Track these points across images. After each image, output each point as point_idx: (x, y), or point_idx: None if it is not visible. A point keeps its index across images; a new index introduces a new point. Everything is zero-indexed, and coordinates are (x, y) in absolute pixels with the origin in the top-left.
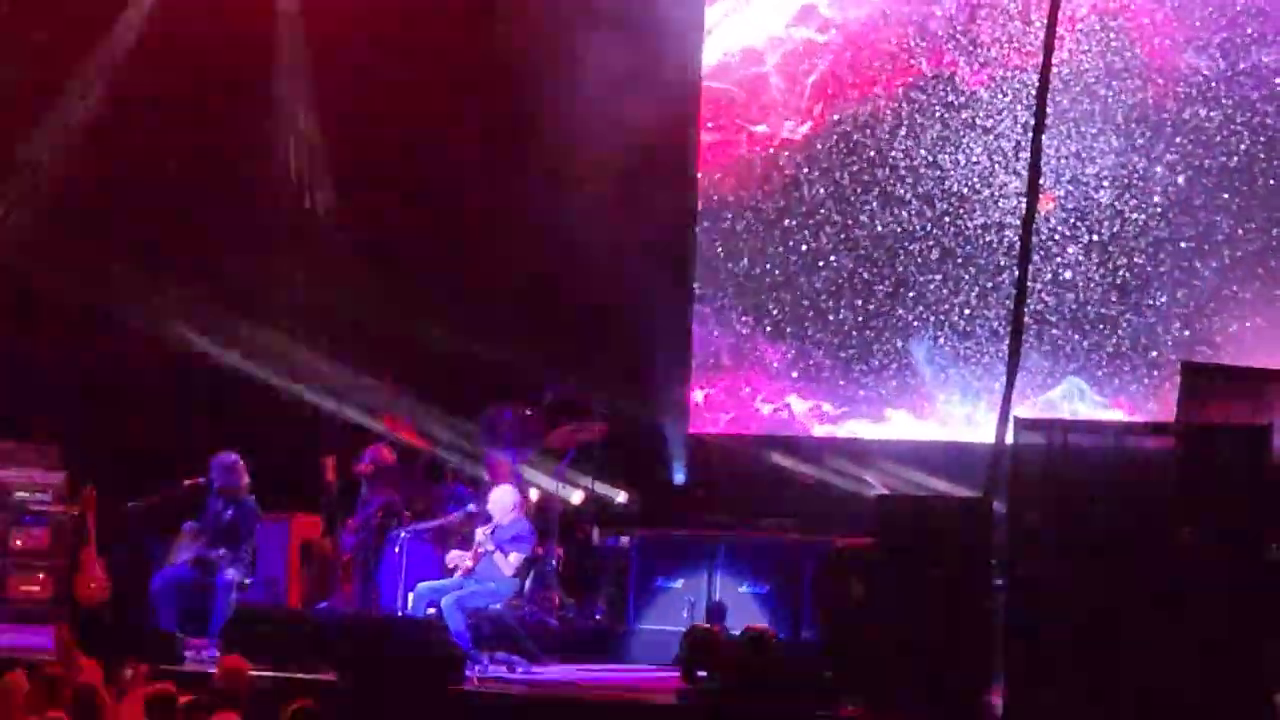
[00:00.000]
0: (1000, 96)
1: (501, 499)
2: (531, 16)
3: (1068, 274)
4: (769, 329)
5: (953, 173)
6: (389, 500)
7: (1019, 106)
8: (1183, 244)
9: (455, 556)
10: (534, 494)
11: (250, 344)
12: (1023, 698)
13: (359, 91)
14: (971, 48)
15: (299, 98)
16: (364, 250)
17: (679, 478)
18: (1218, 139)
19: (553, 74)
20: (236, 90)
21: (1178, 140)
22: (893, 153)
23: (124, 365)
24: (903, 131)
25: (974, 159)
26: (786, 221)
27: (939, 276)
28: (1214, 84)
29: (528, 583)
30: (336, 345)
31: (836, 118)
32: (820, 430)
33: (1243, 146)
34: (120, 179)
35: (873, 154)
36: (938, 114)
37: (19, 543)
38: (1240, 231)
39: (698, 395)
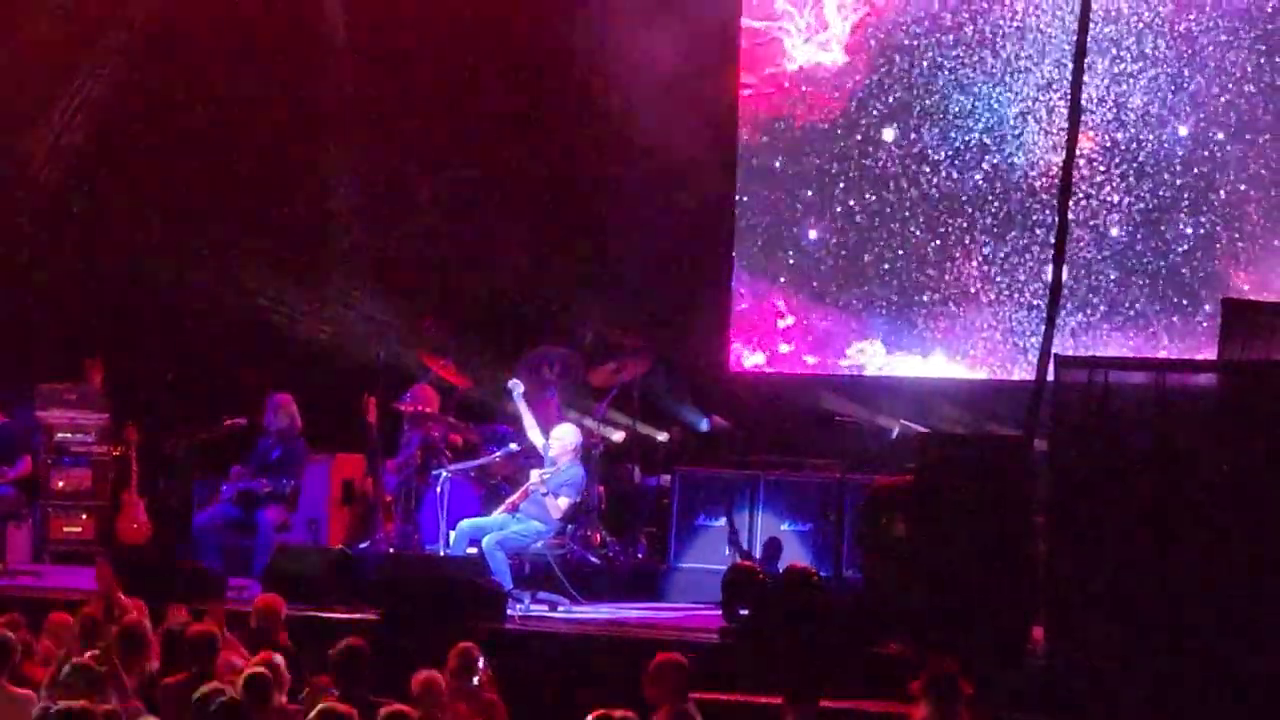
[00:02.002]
0: (1042, 30)
1: (563, 437)
2: None
3: (1108, 211)
4: (811, 268)
5: (993, 111)
6: (429, 439)
7: (1063, 40)
8: (1226, 181)
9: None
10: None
11: (293, 284)
12: (1064, 634)
13: (399, 26)
14: None
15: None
16: (407, 191)
17: (703, 425)
18: (1254, 69)
19: (593, 24)
20: (285, 35)
21: (1220, 73)
22: (931, 89)
23: (168, 305)
24: (942, 67)
25: (1017, 96)
26: (825, 160)
27: (983, 216)
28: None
29: (570, 524)
30: (379, 285)
31: (874, 50)
32: (862, 369)
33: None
34: (167, 113)
35: (911, 91)
36: (980, 49)
37: (61, 484)
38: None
39: (739, 337)
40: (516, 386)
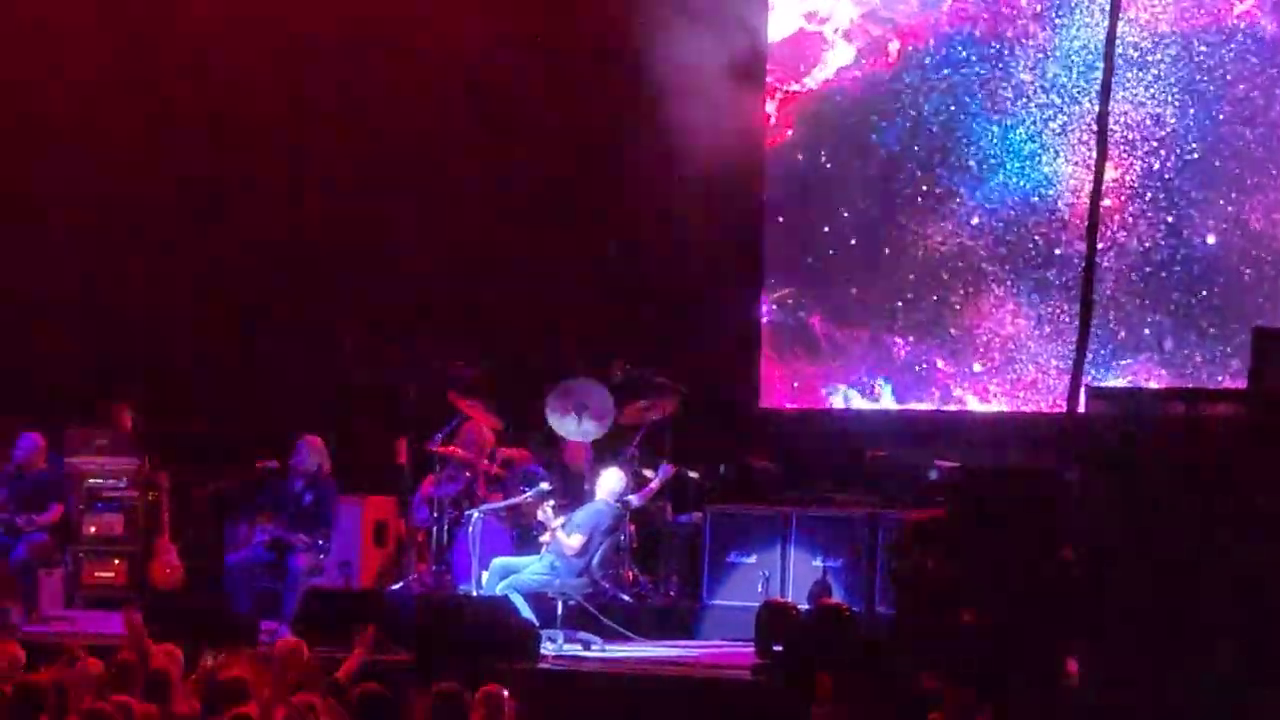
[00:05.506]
0: (1067, 55)
1: (609, 484)
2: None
3: (1135, 241)
4: (840, 301)
5: (1020, 140)
6: (462, 479)
7: (1089, 68)
8: (1256, 206)
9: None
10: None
11: (323, 324)
12: (1099, 667)
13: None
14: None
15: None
16: (434, 225)
17: (721, 468)
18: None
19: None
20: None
21: (1242, 101)
22: (955, 120)
23: (196, 350)
24: (962, 98)
25: (1042, 123)
26: (853, 194)
27: (1011, 247)
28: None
29: (594, 560)
30: (407, 324)
31: (895, 78)
32: (893, 403)
33: None
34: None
35: (935, 120)
36: (1002, 77)
37: (93, 529)
38: None
39: (769, 373)
40: (666, 470)
